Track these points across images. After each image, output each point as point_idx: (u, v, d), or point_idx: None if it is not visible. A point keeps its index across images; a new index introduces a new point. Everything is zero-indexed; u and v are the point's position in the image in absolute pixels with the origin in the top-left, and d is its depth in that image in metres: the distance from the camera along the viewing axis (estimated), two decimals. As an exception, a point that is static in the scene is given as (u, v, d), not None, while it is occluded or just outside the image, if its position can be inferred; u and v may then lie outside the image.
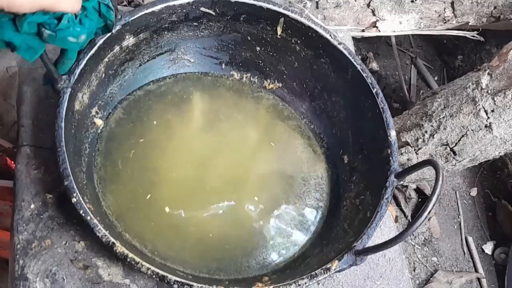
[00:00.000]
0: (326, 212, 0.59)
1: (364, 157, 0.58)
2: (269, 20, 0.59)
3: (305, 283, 0.44)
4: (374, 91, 0.55)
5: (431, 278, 1.10)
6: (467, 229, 1.21)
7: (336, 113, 0.63)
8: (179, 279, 0.42)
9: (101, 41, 0.50)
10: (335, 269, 0.45)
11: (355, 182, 0.58)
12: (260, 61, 0.65)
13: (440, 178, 0.42)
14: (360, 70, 0.56)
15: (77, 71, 0.48)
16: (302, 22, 0.58)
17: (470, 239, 1.19)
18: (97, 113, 0.56)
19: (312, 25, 0.58)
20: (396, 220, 1.13)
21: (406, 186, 1.16)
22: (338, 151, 0.63)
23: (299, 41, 0.61)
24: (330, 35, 0.58)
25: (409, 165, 0.51)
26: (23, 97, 0.57)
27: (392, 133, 0.53)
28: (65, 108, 0.46)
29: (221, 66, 0.66)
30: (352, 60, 0.57)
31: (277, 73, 0.65)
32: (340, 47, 0.57)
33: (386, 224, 0.65)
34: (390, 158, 0.52)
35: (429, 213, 0.40)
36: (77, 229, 0.51)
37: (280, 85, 0.66)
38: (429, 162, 0.46)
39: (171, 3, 0.55)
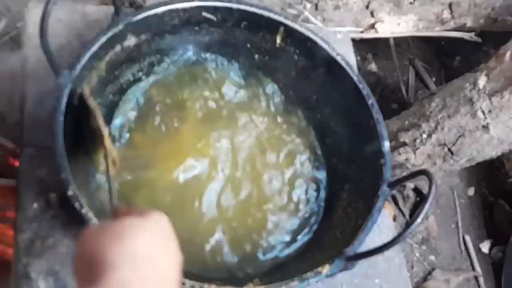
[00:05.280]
0: (318, 220, 0.60)
1: (357, 167, 0.59)
2: (269, 29, 0.60)
3: (296, 285, 0.45)
4: (369, 103, 0.56)
5: (428, 277, 1.11)
6: (464, 228, 1.22)
7: (330, 123, 0.64)
8: None
9: (103, 39, 0.51)
10: (326, 273, 0.46)
11: (348, 191, 0.59)
12: (258, 69, 0.66)
13: (433, 188, 0.42)
14: (357, 82, 0.57)
15: (78, 67, 0.48)
16: (301, 32, 0.59)
17: (467, 238, 1.20)
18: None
19: (312, 36, 0.59)
20: (394, 220, 1.14)
21: (404, 186, 1.17)
22: (332, 160, 0.63)
23: (297, 51, 0.61)
24: (329, 46, 0.59)
25: (406, 168, 0.51)
26: (26, 98, 0.57)
27: (386, 144, 0.54)
28: (64, 103, 0.46)
29: (219, 72, 0.66)
30: (349, 71, 0.58)
31: (274, 81, 0.66)
32: (338, 58, 0.58)
33: (384, 224, 0.66)
34: (383, 168, 0.52)
35: (421, 221, 0.41)
36: (80, 228, 0.51)
37: (277, 93, 0.67)
38: (423, 172, 0.46)
39: (174, 7, 0.55)
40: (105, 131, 0.47)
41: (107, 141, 0.46)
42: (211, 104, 0.63)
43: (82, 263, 0.30)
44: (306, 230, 0.59)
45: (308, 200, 0.61)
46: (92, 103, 0.49)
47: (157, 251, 0.31)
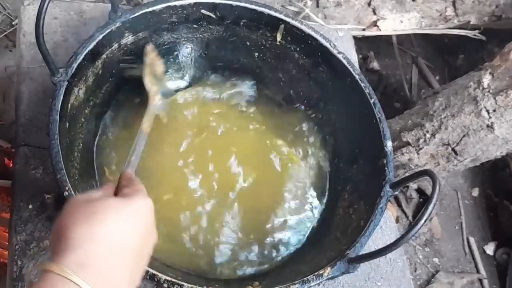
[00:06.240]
0: (319, 221, 0.59)
1: (359, 167, 0.58)
2: (269, 26, 0.59)
3: None
4: (371, 101, 0.55)
5: (432, 279, 1.10)
6: (468, 229, 1.20)
7: (332, 122, 0.63)
8: (169, 278, 0.42)
9: (100, 37, 0.50)
10: (327, 275, 0.45)
11: (349, 192, 0.58)
12: (258, 67, 0.65)
13: (437, 189, 0.41)
14: (359, 80, 0.56)
15: (75, 65, 0.47)
16: (302, 30, 0.58)
17: (471, 239, 1.18)
18: (92, 109, 0.55)
19: (312, 33, 0.58)
20: (397, 221, 1.12)
21: (407, 187, 1.16)
22: (333, 160, 0.62)
23: (298, 49, 0.60)
24: (330, 44, 0.58)
25: (409, 169, 0.50)
26: (21, 96, 0.56)
27: (388, 144, 0.53)
28: (60, 101, 0.45)
29: (218, 70, 0.65)
30: (351, 69, 0.57)
31: (274, 79, 0.65)
32: (340, 56, 0.57)
33: (387, 225, 0.64)
34: (386, 168, 0.51)
35: (424, 222, 0.40)
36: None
37: (277, 92, 0.66)
38: (426, 173, 0.45)
39: (172, 4, 0.55)
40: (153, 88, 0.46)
41: (154, 96, 0.46)
42: (209, 103, 0.63)
43: (56, 233, 0.31)
44: (306, 231, 0.58)
45: (308, 202, 0.60)
46: (148, 60, 0.49)
47: (126, 238, 0.31)
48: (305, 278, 0.45)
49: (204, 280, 0.51)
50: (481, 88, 0.79)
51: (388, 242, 0.55)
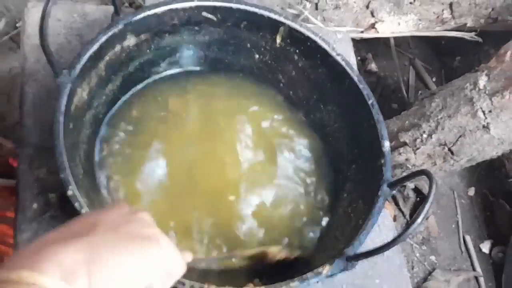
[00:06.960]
0: (318, 221, 0.60)
1: (358, 167, 0.59)
2: (269, 29, 0.60)
3: (296, 285, 0.44)
4: (369, 103, 0.56)
5: (429, 277, 1.11)
6: (464, 228, 1.22)
7: (331, 123, 0.64)
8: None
9: (103, 39, 0.51)
10: (326, 273, 0.46)
11: (348, 191, 0.59)
12: (258, 69, 0.66)
13: (433, 188, 0.42)
14: (357, 82, 0.57)
15: (78, 67, 0.48)
16: (301, 32, 0.59)
17: (468, 238, 1.20)
18: (95, 110, 0.56)
19: (311, 35, 0.59)
20: (394, 220, 1.13)
21: (405, 186, 1.17)
22: (332, 160, 0.63)
23: (297, 51, 0.61)
24: (329, 46, 0.59)
25: (406, 168, 0.51)
26: (25, 97, 0.57)
27: (386, 144, 0.54)
28: (64, 103, 0.46)
29: (219, 72, 0.66)
30: (349, 71, 0.58)
31: (274, 81, 0.66)
32: (338, 58, 0.58)
33: (384, 224, 0.65)
34: (383, 168, 0.52)
35: (421, 221, 0.41)
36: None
37: (277, 93, 0.67)
38: (423, 172, 0.46)
39: (173, 6, 0.55)
40: None
41: None
42: (210, 105, 0.63)
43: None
44: (305, 231, 0.59)
45: (307, 202, 0.61)
46: None
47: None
48: (304, 276, 0.45)
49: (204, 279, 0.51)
50: (477, 89, 0.80)
51: (386, 241, 0.56)
